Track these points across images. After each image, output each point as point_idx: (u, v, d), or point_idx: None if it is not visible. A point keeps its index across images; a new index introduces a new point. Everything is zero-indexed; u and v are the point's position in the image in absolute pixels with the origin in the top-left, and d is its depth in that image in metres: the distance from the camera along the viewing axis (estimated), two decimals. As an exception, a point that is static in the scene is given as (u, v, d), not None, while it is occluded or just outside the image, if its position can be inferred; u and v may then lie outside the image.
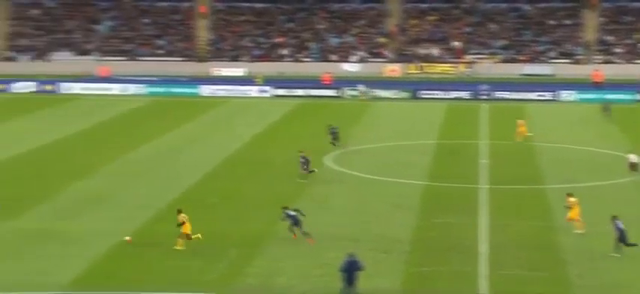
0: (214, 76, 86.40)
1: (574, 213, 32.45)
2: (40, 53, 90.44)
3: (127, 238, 30.69)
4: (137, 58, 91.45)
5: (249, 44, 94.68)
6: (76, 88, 75.58)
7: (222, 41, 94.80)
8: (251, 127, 57.90)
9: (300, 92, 75.09)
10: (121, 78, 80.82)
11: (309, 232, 31.08)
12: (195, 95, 75.27)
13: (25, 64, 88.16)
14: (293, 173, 42.28)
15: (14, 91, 74.89)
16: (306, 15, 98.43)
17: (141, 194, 38.40)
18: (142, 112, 66.10)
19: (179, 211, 30.63)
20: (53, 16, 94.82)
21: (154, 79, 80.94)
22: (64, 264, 28.60)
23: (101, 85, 77.38)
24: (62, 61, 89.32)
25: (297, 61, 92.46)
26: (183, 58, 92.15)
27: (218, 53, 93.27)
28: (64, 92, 74.79)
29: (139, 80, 78.94)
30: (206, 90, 75.84)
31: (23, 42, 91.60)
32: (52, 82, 76.15)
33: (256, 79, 78.70)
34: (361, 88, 74.11)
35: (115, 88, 75.97)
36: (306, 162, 41.32)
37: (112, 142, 51.90)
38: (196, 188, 39.88)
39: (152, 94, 75.09)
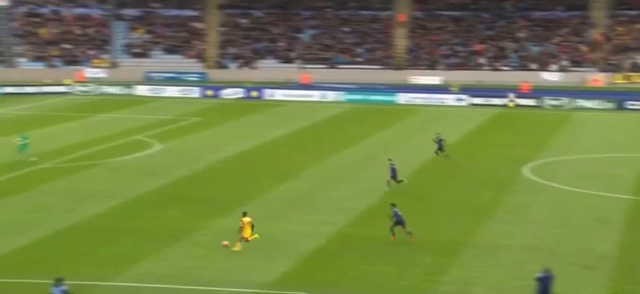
0: (411, 84, 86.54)
1: None
2: (248, 61, 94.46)
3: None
4: (337, 65, 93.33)
5: (446, 52, 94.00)
6: (279, 94, 78.29)
7: (419, 49, 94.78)
8: (447, 135, 57.38)
9: (497, 101, 73.60)
10: (321, 85, 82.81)
11: (411, 232, 31.17)
12: (392, 103, 75.72)
13: (234, 72, 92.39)
14: (489, 182, 41.45)
15: (224, 97, 78.72)
16: (506, 23, 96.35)
17: (340, 198, 39.06)
18: (341, 118, 67.32)
19: (244, 214, 30.94)
20: (260, 25, 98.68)
21: (352, 86, 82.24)
22: (267, 264, 29.60)
23: (302, 92, 79.59)
24: (267, 68, 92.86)
25: (495, 69, 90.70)
26: (381, 66, 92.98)
27: (415, 61, 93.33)
28: (268, 98, 77.70)
29: (338, 87, 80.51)
30: (403, 98, 76.09)
31: (233, 50, 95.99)
32: (257, 89, 79.35)
33: (452, 88, 78.02)
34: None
35: (315, 95, 77.92)
36: (394, 170, 40.38)
37: (312, 146, 53.23)
38: (392, 194, 40.02)
39: (350, 101, 76.31)
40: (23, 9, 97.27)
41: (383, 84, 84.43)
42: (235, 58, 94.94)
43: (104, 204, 37.26)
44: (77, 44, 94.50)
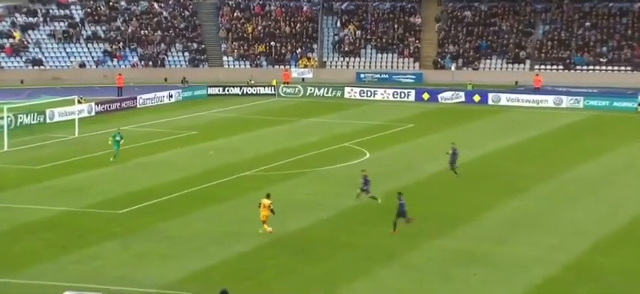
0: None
1: None
2: (470, 60, 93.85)
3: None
4: (574, 66, 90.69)
5: None
6: (505, 99, 77.28)
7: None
8: None
9: None
10: (553, 89, 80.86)
11: (411, 218, 34.79)
12: (643, 110, 72.79)
13: (453, 73, 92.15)
14: None
15: (441, 101, 78.72)
16: None
17: (578, 220, 37.99)
18: (578, 127, 65.45)
19: (267, 196, 35.09)
20: (485, 19, 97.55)
21: (593, 90, 79.62)
22: (491, 291, 29.29)
23: (531, 96, 78.13)
24: (492, 69, 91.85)
25: None
26: (630, 68, 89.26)
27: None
28: (492, 103, 76.89)
29: (575, 92, 78.30)
30: (655, 104, 72.93)
31: (452, 48, 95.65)
32: (480, 93, 78.71)
33: None
34: None
35: (547, 100, 76.25)
36: (366, 183, 39.80)
37: (543, 159, 52.10)
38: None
39: (590, 107, 74.01)
40: (231, 3, 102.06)
41: (631, 88, 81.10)
42: (455, 57, 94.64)
43: (311, 217, 38.41)
44: (283, 41, 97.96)
